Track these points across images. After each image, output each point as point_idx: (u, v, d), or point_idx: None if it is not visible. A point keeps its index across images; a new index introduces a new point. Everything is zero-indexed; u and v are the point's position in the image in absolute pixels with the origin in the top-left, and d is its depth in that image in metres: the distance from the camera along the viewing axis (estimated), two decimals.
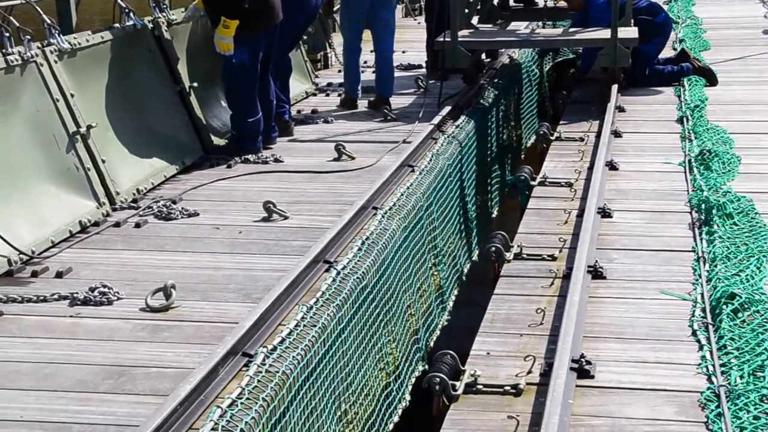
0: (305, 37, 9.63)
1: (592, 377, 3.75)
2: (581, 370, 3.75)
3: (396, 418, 4.56)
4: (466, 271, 6.60)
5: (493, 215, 7.95)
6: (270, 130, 7.40)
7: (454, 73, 8.83)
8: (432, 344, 5.43)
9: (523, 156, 9.33)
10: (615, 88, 8.55)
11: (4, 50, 5.43)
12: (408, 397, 4.75)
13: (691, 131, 7.35)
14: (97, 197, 5.72)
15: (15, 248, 4.87)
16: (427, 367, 5.09)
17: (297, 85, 9.06)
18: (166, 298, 4.40)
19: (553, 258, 5.04)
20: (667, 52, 9.93)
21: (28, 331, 4.18)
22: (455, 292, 6.19)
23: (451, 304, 6.01)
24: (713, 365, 3.74)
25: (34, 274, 4.81)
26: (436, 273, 5.89)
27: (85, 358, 3.88)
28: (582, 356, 3.81)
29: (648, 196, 6.06)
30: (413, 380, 4.91)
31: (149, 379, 3.72)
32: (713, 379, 3.65)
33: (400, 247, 5.18)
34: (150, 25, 6.98)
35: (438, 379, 3.67)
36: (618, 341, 4.08)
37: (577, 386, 3.67)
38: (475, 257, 6.89)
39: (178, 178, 6.57)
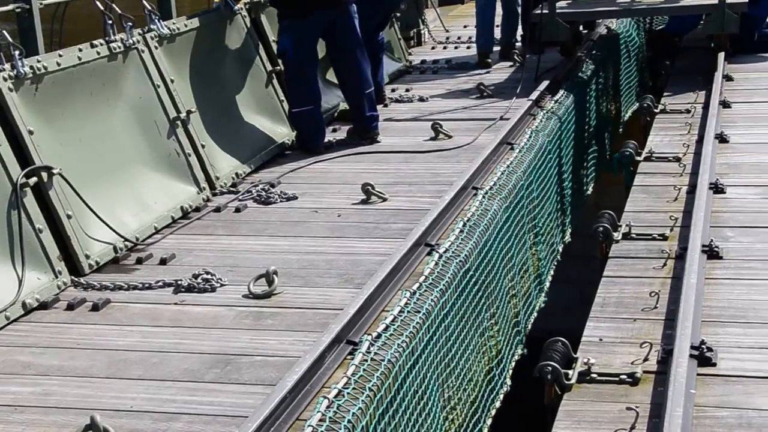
0: (398, 14, 9.51)
1: (714, 365, 3.58)
2: (702, 357, 3.58)
3: (498, 404, 4.47)
4: (561, 249, 6.44)
5: (589, 192, 7.74)
6: (363, 120, 6.94)
7: (551, 46, 8.62)
8: (530, 326, 5.31)
9: (621, 130, 9.08)
10: (722, 55, 8.22)
11: (107, 38, 5.45)
12: (509, 381, 4.65)
13: None
14: (197, 182, 5.73)
15: (120, 235, 4.89)
16: (526, 351, 4.98)
17: (391, 64, 8.96)
18: (268, 284, 4.36)
19: (664, 237, 4.85)
20: None
21: (134, 319, 4.19)
22: (552, 272, 6.04)
23: (548, 284, 5.87)
24: None
25: (139, 261, 4.83)
26: (535, 253, 5.76)
27: (191, 347, 3.86)
28: (702, 342, 3.64)
29: (763, 169, 5.81)
30: (513, 364, 4.80)
31: (254, 368, 3.68)
32: None
33: (501, 228, 5.05)
34: (246, 7, 6.96)
35: (550, 368, 3.55)
36: (739, 326, 3.90)
37: (698, 375, 3.51)
38: (568, 237, 6.71)
39: (275, 162, 6.54)
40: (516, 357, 4.90)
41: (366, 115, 6.89)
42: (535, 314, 5.48)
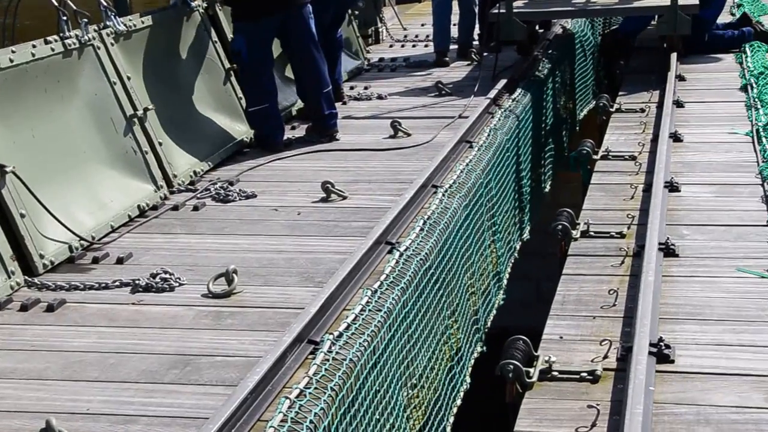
0: (356, 12, 9.50)
1: (672, 362, 3.62)
2: (661, 354, 3.62)
3: (459, 401, 4.47)
4: (518, 247, 6.48)
5: (546, 189, 7.79)
6: (322, 118, 6.90)
7: (507, 45, 8.66)
8: (489, 323, 5.34)
9: (577, 128, 9.15)
10: (674, 56, 8.32)
11: (61, 34, 5.37)
12: (469, 379, 4.66)
13: (756, 99, 7.13)
14: (155, 181, 5.67)
15: (76, 234, 4.82)
16: (485, 348, 5.00)
17: (349, 62, 8.94)
18: (228, 283, 4.33)
19: (622, 235, 4.89)
20: (724, 17, 9.65)
21: (90, 319, 4.13)
22: (509, 269, 6.07)
23: (505, 281, 5.90)
24: None
25: (95, 261, 4.76)
26: (494, 251, 5.79)
27: (150, 348, 3.82)
28: (660, 340, 3.67)
29: (716, 168, 5.88)
30: (473, 361, 4.82)
31: (214, 369, 3.64)
32: None
33: (461, 226, 5.07)
34: (204, 4, 6.90)
35: (511, 366, 3.56)
36: (696, 323, 3.94)
37: (657, 372, 3.54)
38: (527, 234, 6.75)
39: (234, 159, 6.49)
40: (475, 354, 4.92)
41: (324, 113, 6.86)
42: (494, 311, 5.50)
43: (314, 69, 6.84)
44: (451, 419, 4.31)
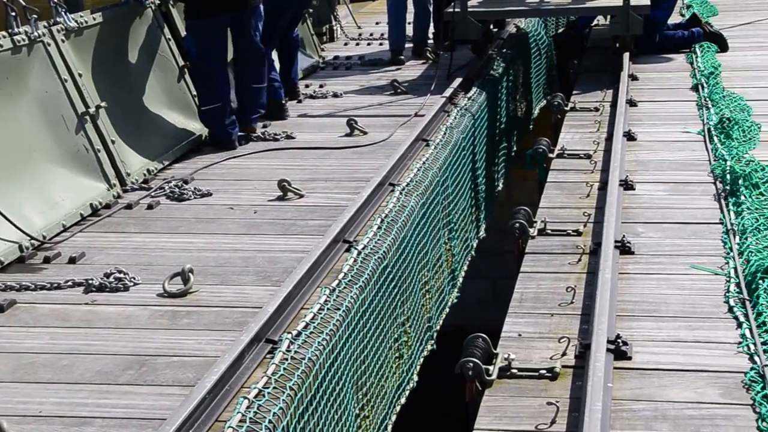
0: (311, 10, 9.46)
1: (630, 359, 3.63)
2: (618, 351, 3.63)
3: (403, 400, 4.47)
4: (475, 245, 6.49)
5: (499, 188, 7.82)
6: (251, 113, 6.92)
7: (462, 44, 8.67)
8: (442, 322, 5.34)
9: (531, 127, 9.19)
10: (627, 56, 8.38)
11: (10, 30, 5.27)
12: (416, 378, 4.66)
13: (707, 99, 7.21)
14: (107, 179, 5.59)
15: (26, 234, 4.74)
16: (435, 347, 5.00)
17: (304, 60, 8.90)
18: (184, 282, 4.28)
19: (578, 233, 4.91)
20: (674, 18, 9.76)
21: (43, 320, 4.06)
22: (465, 268, 6.07)
23: (461, 279, 5.90)
24: (754, 344, 3.62)
25: (47, 260, 4.68)
26: (449, 249, 5.79)
27: (104, 348, 3.76)
28: (618, 337, 3.69)
29: (669, 166, 5.93)
30: (422, 360, 4.83)
31: (171, 369, 3.59)
32: (756, 358, 3.53)
33: (418, 225, 5.06)
34: (157, 1, 6.82)
35: (471, 364, 3.55)
36: (652, 320, 3.96)
37: (615, 369, 3.55)
38: (482, 232, 6.76)
39: (188, 158, 6.43)
40: (425, 353, 4.91)
41: (250, 109, 6.87)
42: (447, 310, 5.50)
43: (256, 70, 6.83)
44: (394, 417, 4.30)
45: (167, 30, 6.89)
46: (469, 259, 6.26)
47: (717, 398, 3.35)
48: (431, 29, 9.74)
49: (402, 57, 9.31)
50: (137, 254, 4.74)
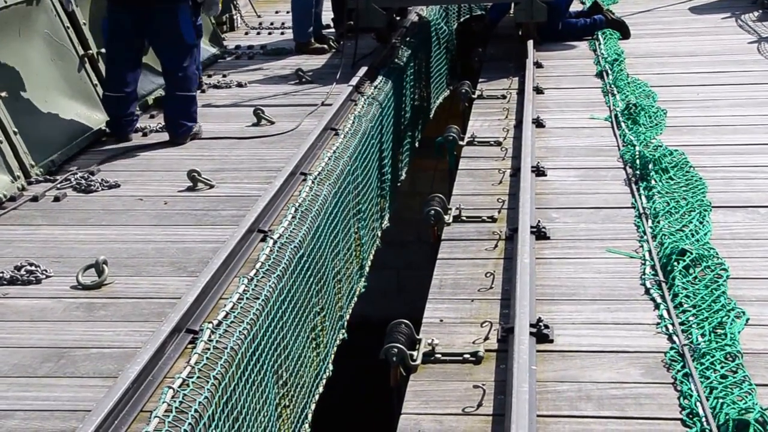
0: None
1: (552, 341, 3.68)
2: (540, 334, 3.68)
3: (321, 389, 4.46)
4: (380, 235, 6.50)
5: (402, 177, 7.83)
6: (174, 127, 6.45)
7: (364, 32, 8.64)
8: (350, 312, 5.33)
9: (431, 116, 9.21)
10: (531, 43, 8.48)
11: None
12: (331, 366, 4.66)
13: (612, 85, 7.34)
14: (11, 171, 5.40)
15: None
16: (346, 336, 5.00)
17: (206, 50, 8.75)
18: (98, 274, 4.17)
19: (493, 219, 4.96)
20: (575, 6, 9.92)
21: None
22: (371, 257, 6.08)
23: (367, 269, 5.90)
24: (672, 324, 3.70)
25: None
26: (358, 238, 5.79)
27: (20, 341, 3.66)
28: (539, 320, 3.74)
29: (578, 152, 6.02)
30: (335, 349, 4.83)
31: (90, 361, 3.52)
32: (674, 338, 3.61)
33: (330, 214, 5.05)
34: None
35: (396, 350, 3.55)
36: (571, 303, 4.02)
37: (537, 351, 3.59)
38: (387, 222, 6.76)
39: (93, 148, 6.25)
40: (338, 342, 4.91)
41: (178, 123, 6.40)
42: (355, 299, 5.50)
43: (173, 73, 6.43)
44: (313, 406, 4.29)
45: (65, 17, 6.68)
46: (375, 248, 6.25)
47: (639, 378, 3.42)
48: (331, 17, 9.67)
49: (305, 46, 9.22)
50: (47, 247, 4.60)
